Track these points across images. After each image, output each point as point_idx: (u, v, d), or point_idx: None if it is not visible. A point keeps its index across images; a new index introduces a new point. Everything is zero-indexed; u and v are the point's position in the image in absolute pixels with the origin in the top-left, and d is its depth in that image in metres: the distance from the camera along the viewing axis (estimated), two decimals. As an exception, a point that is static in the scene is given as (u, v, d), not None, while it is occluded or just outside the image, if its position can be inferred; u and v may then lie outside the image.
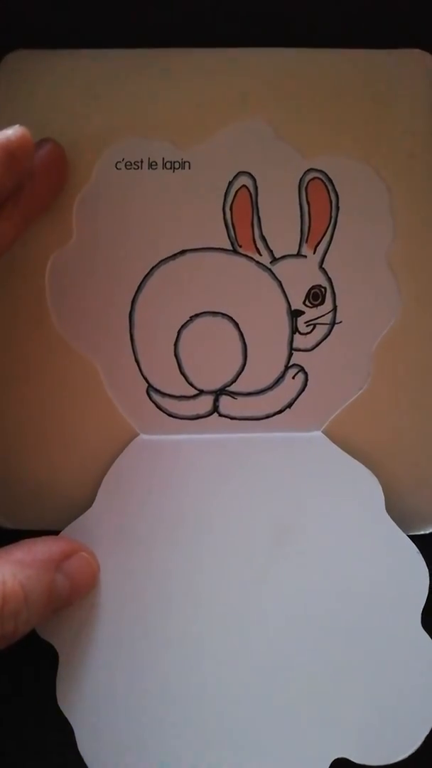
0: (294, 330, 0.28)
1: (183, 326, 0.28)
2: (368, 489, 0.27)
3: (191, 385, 0.28)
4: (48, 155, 0.27)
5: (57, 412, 0.28)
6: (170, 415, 0.28)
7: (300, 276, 0.28)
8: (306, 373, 0.28)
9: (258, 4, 0.27)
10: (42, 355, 0.28)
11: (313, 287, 0.28)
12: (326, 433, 0.28)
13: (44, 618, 0.25)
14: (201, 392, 0.28)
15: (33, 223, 0.27)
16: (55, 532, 0.28)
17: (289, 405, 0.28)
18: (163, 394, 0.28)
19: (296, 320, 0.28)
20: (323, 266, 0.28)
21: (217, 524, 0.27)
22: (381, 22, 0.28)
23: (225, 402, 0.28)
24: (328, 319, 0.28)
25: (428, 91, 0.28)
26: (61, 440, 0.28)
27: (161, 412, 0.28)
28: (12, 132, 0.24)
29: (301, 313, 0.28)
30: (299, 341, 0.28)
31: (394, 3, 0.28)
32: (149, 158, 0.28)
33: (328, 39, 0.27)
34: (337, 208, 0.28)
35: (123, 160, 0.28)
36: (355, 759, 0.26)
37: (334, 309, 0.28)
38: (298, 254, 0.28)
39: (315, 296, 0.28)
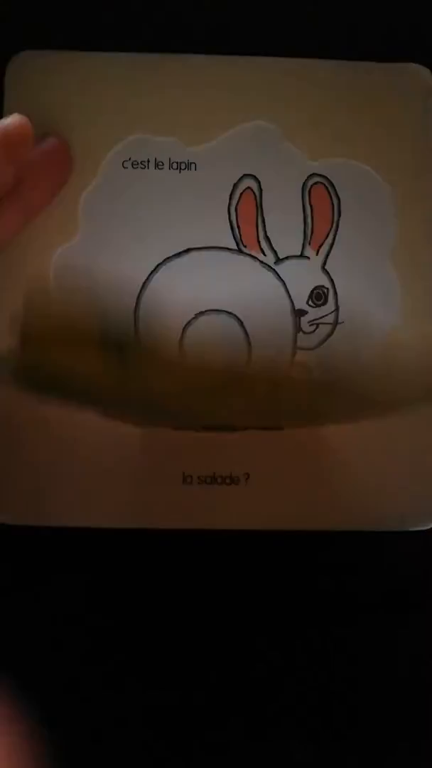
0: (298, 329, 0.28)
1: (187, 324, 0.28)
2: None
3: (195, 382, 0.28)
4: (51, 148, 0.27)
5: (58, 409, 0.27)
6: (174, 412, 0.28)
7: (303, 277, 0.28)
8: (310, 372, 0.28)
9: (266, 16, 0.28)
10: (45, 350, 0.27)
11: (315, 288, 0.28)
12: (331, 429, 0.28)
13: None
14: (205, 390, 0.28)
15: (35, 217, 0.27)
16: (54, 528, 0.27)
17: (294, 402, 0.28)
18: (167, 392, 0.28)
19: (300, 320, 0.28)
20: (325, 267, 0.28)
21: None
22: (382, 37, 0.29)
23: (229, 400, 0.28)
24: (330, 319, 0.28)
25: (423, 102, 0.29)
26: (61, 435, 0.28)
27: (165, 409, 0.28)
28: (10, 120, 0.24)
29: (305, 312, 0.28)
30: (303, 340, 0.28)
31: (394, 21, 0.29)
32: (156, 158, 0.28)
33: (333, 51, 0.28)
34: (339, 212, 0.28)
35: (129, 159, 0.28)
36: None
37: (337, 309, 0.28)
38: (302, 255, 0.28)
39: (318, 296, 0.28)
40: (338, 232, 0.28)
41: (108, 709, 0.27)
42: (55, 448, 0.28)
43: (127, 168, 0.28)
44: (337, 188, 0.28)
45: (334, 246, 0.28)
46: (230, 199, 0.28)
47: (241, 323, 0.28)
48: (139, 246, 0.28)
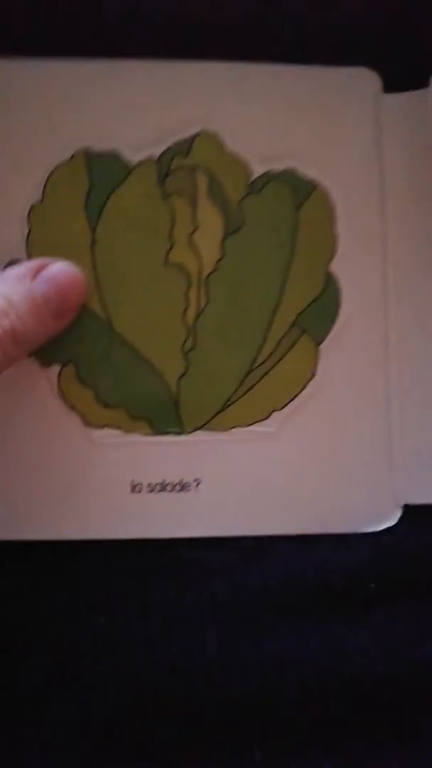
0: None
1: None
2: None
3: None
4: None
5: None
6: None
7: None
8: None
9: (212, 18, 0.28)
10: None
11: None
12: (278, 428, 0.28)
13: (42, 325, 0.25)
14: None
15: None
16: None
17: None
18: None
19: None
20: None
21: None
22: (332, 42, 0.29)
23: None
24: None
25: (372, 106, 0.29)
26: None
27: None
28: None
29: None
30: None
31: (343, 24, 0.29)
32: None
33: (281, 55, 0.28)
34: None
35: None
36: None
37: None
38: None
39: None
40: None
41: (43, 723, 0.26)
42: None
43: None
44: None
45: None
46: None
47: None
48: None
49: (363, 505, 0.28)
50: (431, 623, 0.27)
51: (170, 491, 0.27)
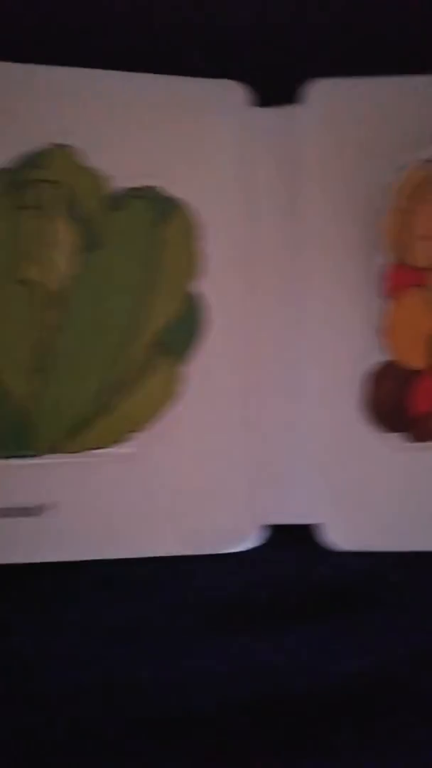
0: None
1: None
2: None
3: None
4: None
5: None
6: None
7: None
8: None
9: (80, 27, 0.28)
10: None
11: None
12: (138, 449, 0.27)
13: None
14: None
15: None
16: None
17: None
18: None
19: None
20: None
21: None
22: (199, 53, 0.29)
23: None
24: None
25: (240, 120, 0.28)
26: None
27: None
28: None
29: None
30: None
31: (211, 35, 0.29)
32: None
33: (149, 66, 0.28)
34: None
35: None
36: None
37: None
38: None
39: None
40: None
41: None
42: None
43: None
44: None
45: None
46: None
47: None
48: None
49: (225, 526, 0.27)
50: (342, 642, 0.27)
51: (22, 516, 0.26)
